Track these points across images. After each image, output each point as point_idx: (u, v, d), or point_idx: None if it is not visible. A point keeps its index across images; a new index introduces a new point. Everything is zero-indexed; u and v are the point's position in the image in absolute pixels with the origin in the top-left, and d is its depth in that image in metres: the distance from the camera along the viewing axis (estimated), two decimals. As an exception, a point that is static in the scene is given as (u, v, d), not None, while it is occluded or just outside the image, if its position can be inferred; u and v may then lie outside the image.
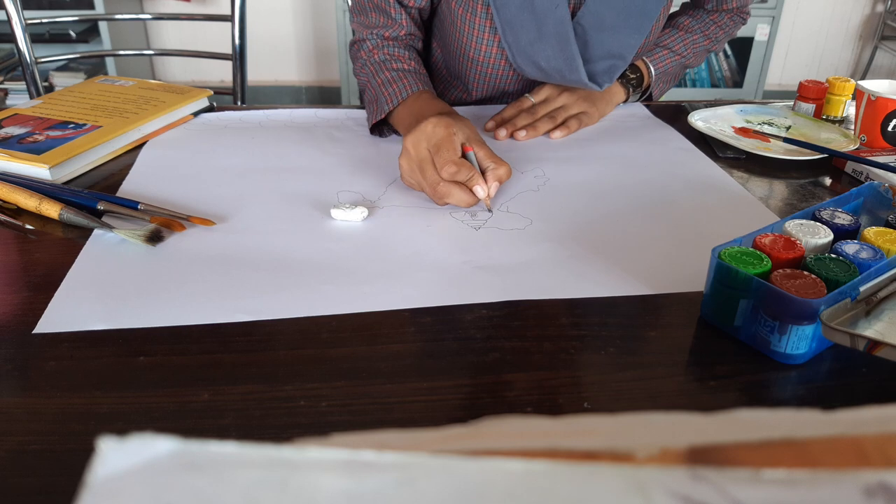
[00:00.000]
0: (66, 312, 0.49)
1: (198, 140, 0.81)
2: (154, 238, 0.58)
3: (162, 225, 0.60)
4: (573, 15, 0.83)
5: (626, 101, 0.95)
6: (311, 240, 0.59)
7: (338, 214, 0.62)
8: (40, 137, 0.74)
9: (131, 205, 0.63)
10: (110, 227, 0.59)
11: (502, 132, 0.83)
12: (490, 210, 0.65)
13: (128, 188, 0.69)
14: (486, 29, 0.85)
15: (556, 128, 0.84)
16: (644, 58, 0.95)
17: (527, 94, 0.89)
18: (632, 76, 0.94)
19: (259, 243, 0.58)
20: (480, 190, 0.63)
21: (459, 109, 0.88)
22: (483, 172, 0.65)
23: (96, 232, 0.59)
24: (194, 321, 0.48)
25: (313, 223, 0.62)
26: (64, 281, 0.53)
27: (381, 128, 0.83)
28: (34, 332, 0.47)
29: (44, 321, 0.48)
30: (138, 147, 0.79)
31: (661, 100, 1.02)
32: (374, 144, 0.79)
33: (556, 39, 0.82)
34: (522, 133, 0.83)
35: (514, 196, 0.68)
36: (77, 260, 0.56)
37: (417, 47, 0.89)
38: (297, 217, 0.63)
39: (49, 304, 0.50)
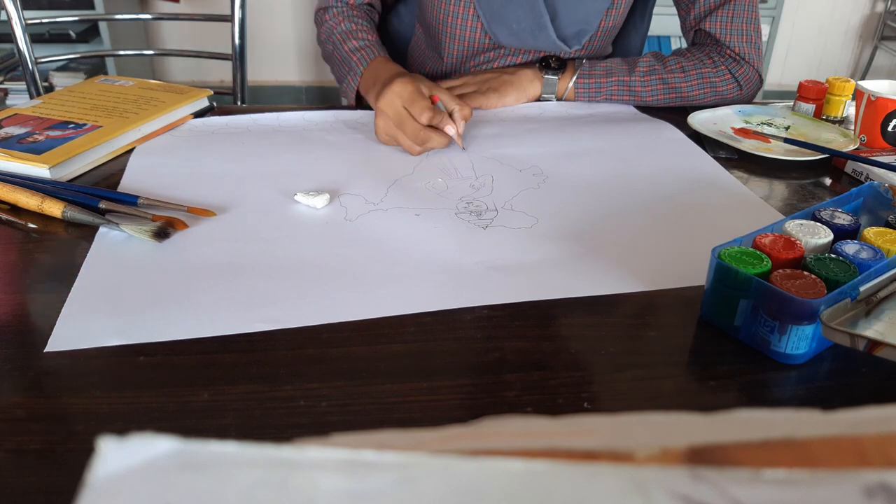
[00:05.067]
0: (78, 328, 0.47)
1: (187, 145, 0.79)
2: (161, 234, 0.57)
3: (165, 223, 0.59)
4: None
5: (541, 95, 0.94)
6: (318, 245, 0.58)
7: (302, 199, 0.65)
8: (40, 137, 0.74)
9: (131, 200, 0.63)
10: (116, 225, 0.58)
11: None
12: (464, 148, 0.77)
13: (123, 189, 0.69)
14: (461, 1, 0.92)
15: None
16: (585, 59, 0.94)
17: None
18: (553, 64, 0.93)
19: (264, 248, 0.57)
20: (451, 128, 0.74)
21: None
22: (450, 115, 0.76)
23: (101, 231, 0.59)
24: (208, 333, 0.47)
25: (319, 228, 0.61)
26: (71, 293, 0.50)
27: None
28: (45, 350, 0.45)
29: (54, 339, 0.46)
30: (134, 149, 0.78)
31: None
32: (367, 148, 0.78)
33: None
34: None
35: (517, 194, 0.68)
36: (83, 266, 0.54)
37: (375, 20, 0.98)
38: (300, 220, 0.62)
39: (58, 319, 0.47)
